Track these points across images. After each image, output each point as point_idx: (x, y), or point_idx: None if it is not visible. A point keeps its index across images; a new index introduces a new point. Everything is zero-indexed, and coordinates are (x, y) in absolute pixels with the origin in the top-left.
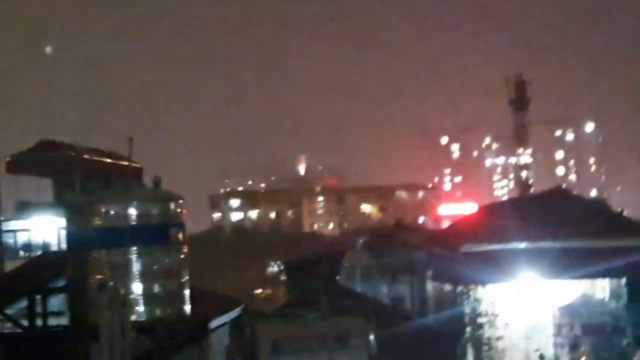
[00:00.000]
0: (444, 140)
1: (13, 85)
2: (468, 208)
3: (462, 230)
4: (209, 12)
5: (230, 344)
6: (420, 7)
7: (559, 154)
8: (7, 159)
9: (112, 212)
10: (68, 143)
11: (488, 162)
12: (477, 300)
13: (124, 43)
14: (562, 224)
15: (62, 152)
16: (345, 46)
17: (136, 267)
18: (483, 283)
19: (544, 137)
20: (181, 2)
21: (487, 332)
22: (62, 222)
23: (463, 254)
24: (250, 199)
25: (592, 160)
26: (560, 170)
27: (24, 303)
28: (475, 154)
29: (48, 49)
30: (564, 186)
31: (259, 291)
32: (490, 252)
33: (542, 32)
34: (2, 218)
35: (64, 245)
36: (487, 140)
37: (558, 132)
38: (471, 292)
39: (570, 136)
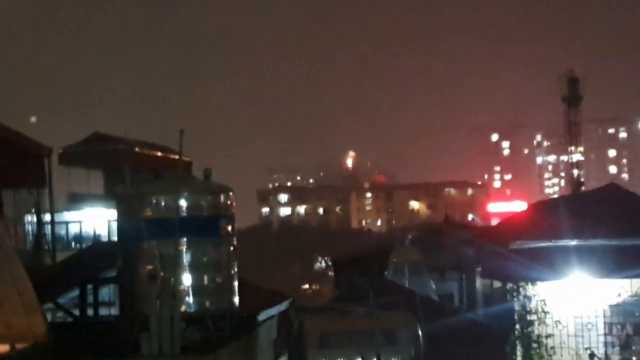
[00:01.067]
0: (495, 137)
1: (66, 81)
2: (518, 206)
3: (512, 227)
4: (259, 17)
5: (277, 337)
6: (471, 3)
7: (612, 152)
8: (60, 151)
9: (162, 204)
10: (119, 136)
11: (539, 160)
12: (527, 298)
13: (182, 41)
14: (615, 221)
15: (113, 145)
16: (395, 43)
17: (186, 258)
18: (533, 280)
19: (596, 135)
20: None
21: (536, 329)
22: (112, 213)
23: (513, 250)
24: (298, 194)
25: None
26: (612, 169)
27: (75, 293)
28: (526, 151)
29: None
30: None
31: (306, 287)
32: (540, 250)
33: (595, 29)
34: (54, 210)
35: (114, 237)
36: (538, 137)
37: (611, 130)
38: (521, 290)
39: (623, 134)
